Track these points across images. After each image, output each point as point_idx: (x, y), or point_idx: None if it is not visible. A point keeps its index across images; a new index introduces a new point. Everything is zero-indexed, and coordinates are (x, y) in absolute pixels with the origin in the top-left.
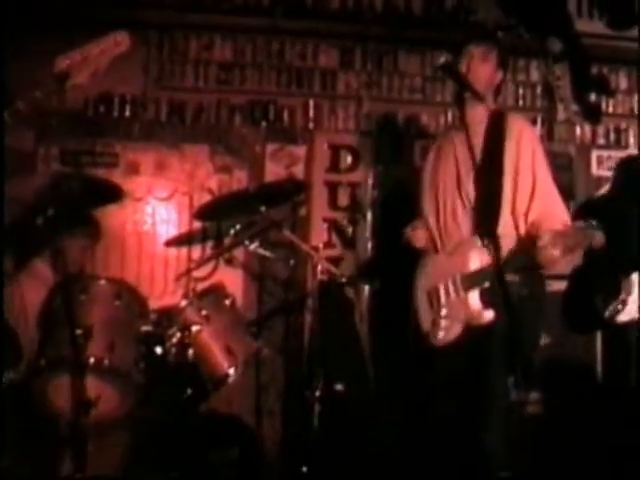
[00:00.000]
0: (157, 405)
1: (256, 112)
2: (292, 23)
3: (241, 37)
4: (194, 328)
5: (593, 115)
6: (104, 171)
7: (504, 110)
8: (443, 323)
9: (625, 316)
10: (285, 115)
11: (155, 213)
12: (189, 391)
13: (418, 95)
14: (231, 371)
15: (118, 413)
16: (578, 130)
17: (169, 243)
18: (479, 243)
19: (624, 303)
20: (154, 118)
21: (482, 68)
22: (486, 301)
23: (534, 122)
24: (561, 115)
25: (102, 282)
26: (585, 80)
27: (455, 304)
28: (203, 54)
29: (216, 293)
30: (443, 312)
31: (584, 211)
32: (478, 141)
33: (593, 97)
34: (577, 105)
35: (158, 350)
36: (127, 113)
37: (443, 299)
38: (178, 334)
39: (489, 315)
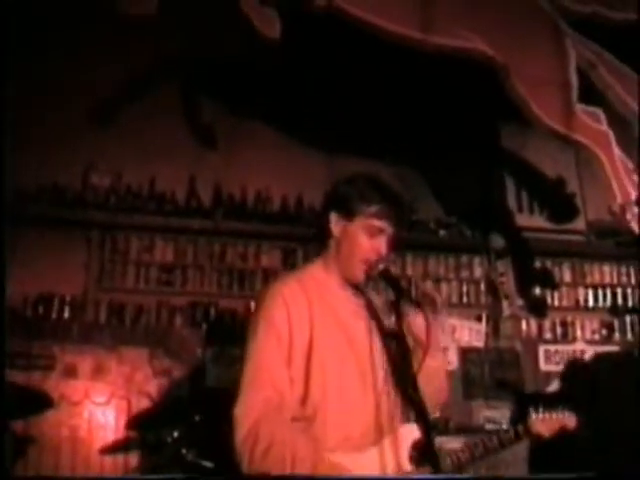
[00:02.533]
0: None
1: (197, 314)
2: (233, 224)
3: (182, 238)
4: None
5: (538, 309)
6: (40, 374)
7: None
8: None
9: None
10: (226, 317)
11: (92, 418)
12: None
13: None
14: None
15: None
16: (524, 325)
17: (105, 450)
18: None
19: None
20: (93, 320)
21: (379, 241)
22: None
23: (479, 319)
24: (506, 311)
25: None
26: (528, 274)
27: None
28: (144, 255)
29: None
30: None
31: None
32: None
33: (538, 291)
34: (522, 300)
35: None
36: (66, 314)
37: None
38: None
39: None
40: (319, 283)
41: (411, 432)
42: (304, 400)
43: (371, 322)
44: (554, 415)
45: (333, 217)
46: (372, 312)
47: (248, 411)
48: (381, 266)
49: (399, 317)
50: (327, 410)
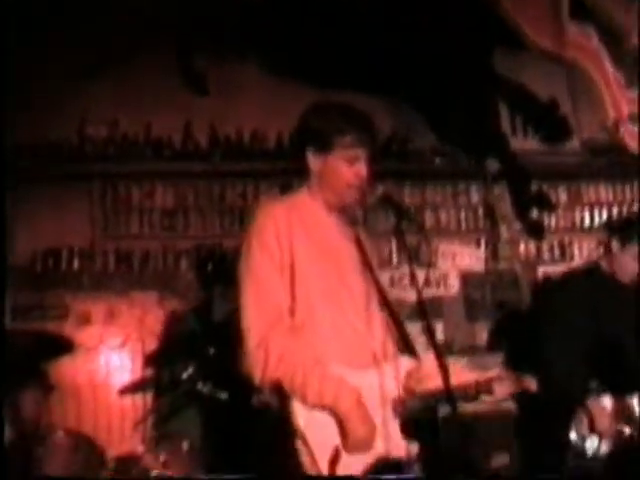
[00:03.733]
0: None
1: (202, 255)
2: (231, 165)
3: (182, 182)
4: (153, 474)
5: (536, 232)
6: (55, 323)
7: None
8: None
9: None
10: (230, 256)
11: (108, 362)
12: None
13: (359, 227)
14: None
15: None
16: (522, 247)
17: (123, 391)
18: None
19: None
20: (102, 268)
21: (358, 167)
22: (410, 432)
23: (478, 244)
24: (504, 234)
25: (59, 434)
26: (525, 197)
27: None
28: (146, 202)
29: (173, 438)
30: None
31: None
32: None
33: (535, 214)
34: (519, 223)
35: None
36: (75, 265)
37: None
38: None
39: (413, 449)
40: (305, 207)
41: (407, 363)
42: (292, 311)
43: (358, 252)
44: (518, 377)
45: (310, 153)
46: (359, 244)
47: (256, 323)
48: (381, 191)
49: (401, 239)
50: (315, 322)
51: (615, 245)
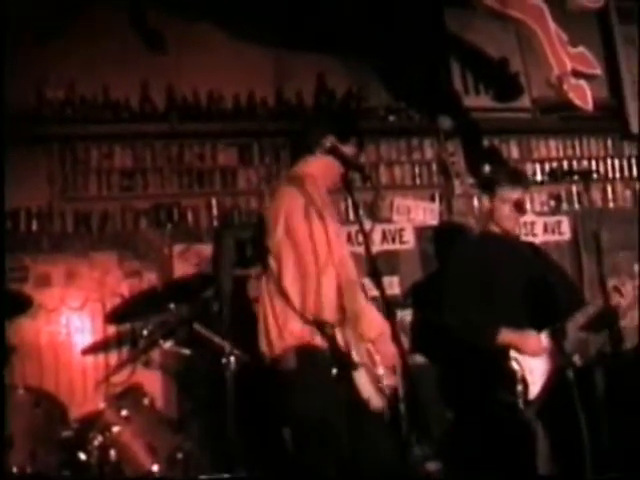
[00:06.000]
0: None
1: (161, 215)
2: (188, 126)
3: (140, 143)
4: (115, 429)
5: (488, 186)
6: (15, 285)
7: None
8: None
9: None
10: (189, 215)
11: (69, 323)
12: None
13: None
14: (155, 468)
15: None
16: (476, 202)
17: (85, 351)
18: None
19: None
20: (61, 229)
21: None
22: None
23: (432, 199)
24: (458, 189)
25: (20, 391)
26: (478, 153)
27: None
28: (104, 163)
29: (134, 393)
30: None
31: None
32: None
33: (487, 169)
34: (472, 178)
35: (81, 456)
36: (34, 227)
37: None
38: (99, 437)
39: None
40: (314, 185)
41: None
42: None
43: None
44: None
45: (330, 138)
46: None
47: (313, 269)
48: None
49: (348, 187)
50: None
51: (485, 200)
